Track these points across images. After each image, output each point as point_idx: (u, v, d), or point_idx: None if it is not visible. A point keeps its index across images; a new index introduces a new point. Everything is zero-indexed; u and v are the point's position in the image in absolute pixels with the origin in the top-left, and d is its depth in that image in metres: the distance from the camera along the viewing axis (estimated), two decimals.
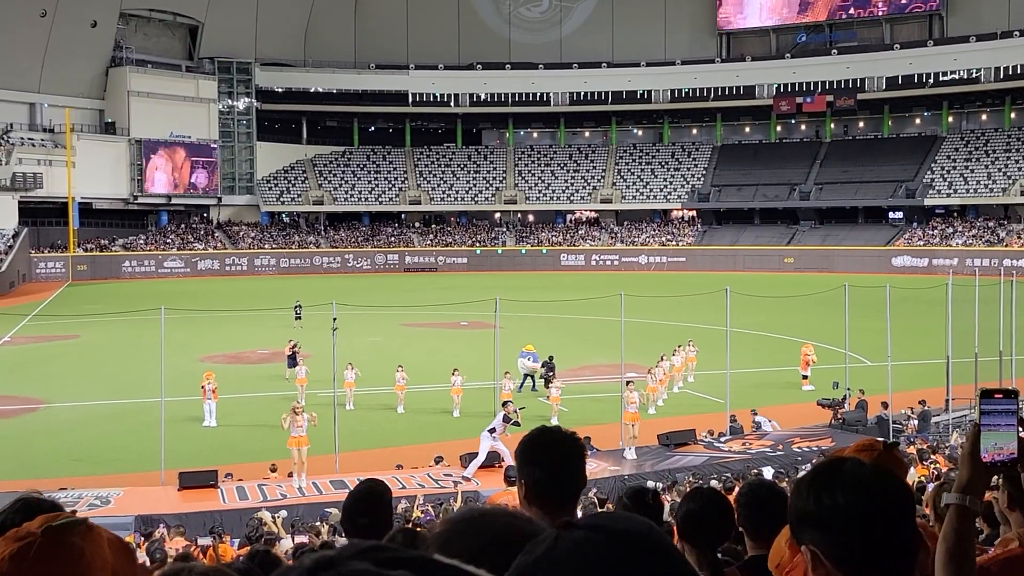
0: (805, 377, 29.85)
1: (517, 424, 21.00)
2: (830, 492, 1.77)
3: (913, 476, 14.55)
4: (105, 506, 17.93)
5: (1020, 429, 2.39)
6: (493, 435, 20.81)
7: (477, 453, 20.86)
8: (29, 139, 77.77)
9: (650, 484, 19.30)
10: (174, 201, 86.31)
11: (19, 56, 75.90)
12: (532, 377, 30.16)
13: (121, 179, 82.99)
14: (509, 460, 19.98)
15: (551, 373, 28.59)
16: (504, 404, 22.21)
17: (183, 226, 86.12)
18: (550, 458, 2.87)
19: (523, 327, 38.03)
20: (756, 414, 25.11)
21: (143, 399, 26.24)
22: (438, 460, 21.43)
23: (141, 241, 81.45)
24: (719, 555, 6.21)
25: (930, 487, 12.83)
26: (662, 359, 28.64)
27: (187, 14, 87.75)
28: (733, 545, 6.83)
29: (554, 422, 24.54)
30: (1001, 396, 2.41)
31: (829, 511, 1.75)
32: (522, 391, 28.91)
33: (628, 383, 23.51)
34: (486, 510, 1.20)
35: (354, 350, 31.16)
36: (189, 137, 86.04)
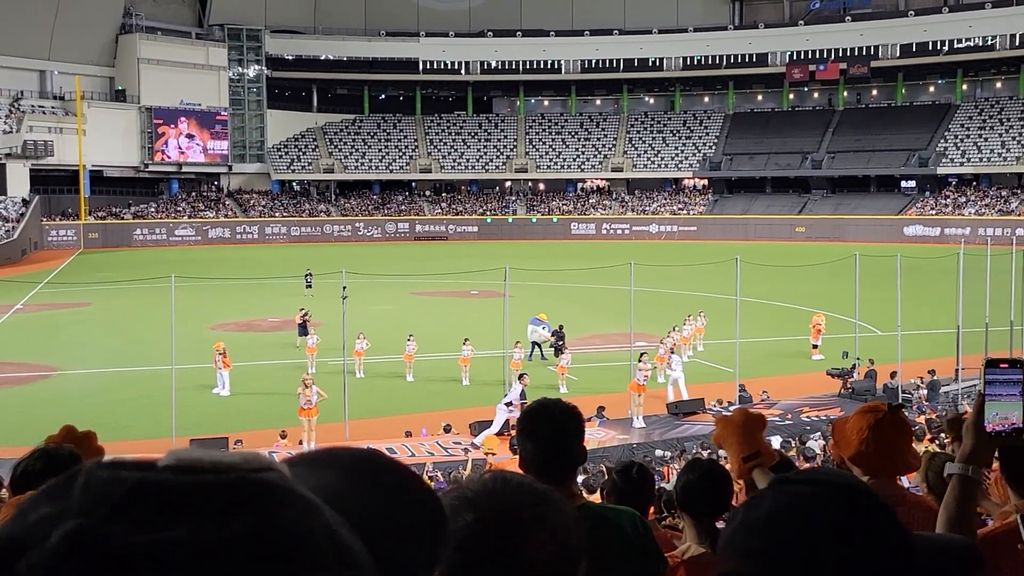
0: (815, 347, 29.78)
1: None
2: None
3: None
4: None
5: None
6: (510, 408, 20.84)
7: (490, 422, 20.96)
8: (40, 107, 77.80)
9: (659, 453, 19.40)
10: (185, 169, 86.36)
11: (29, 23, 75.71)
12: (540, 346, 30.21)
13: (132, 147, 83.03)
14: None
15: (561, 342, 28.61)
16: (520, 377, 22.23)
17: (194, 194, 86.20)
18: (546, 432, 2.88)
19: (533, 296, 38.02)
20: (673, 353, 25.38)
21: (154, 367, 26.38)
22: (447, 428, 21.54)
23: (152, 209, 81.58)
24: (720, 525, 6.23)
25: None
26: (673, 330, 28.66)
27: None
28: None
29: (562, 391, 24.64)
30: (1006, 366, 2.40)
31: None
32: (532, 360, 28.96)
33: (642, 355, 23.57)
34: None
35: (364, 318, 31.23)
36: (199, 105, 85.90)
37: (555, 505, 1.15)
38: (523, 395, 21.19)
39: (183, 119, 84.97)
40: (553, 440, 2.86)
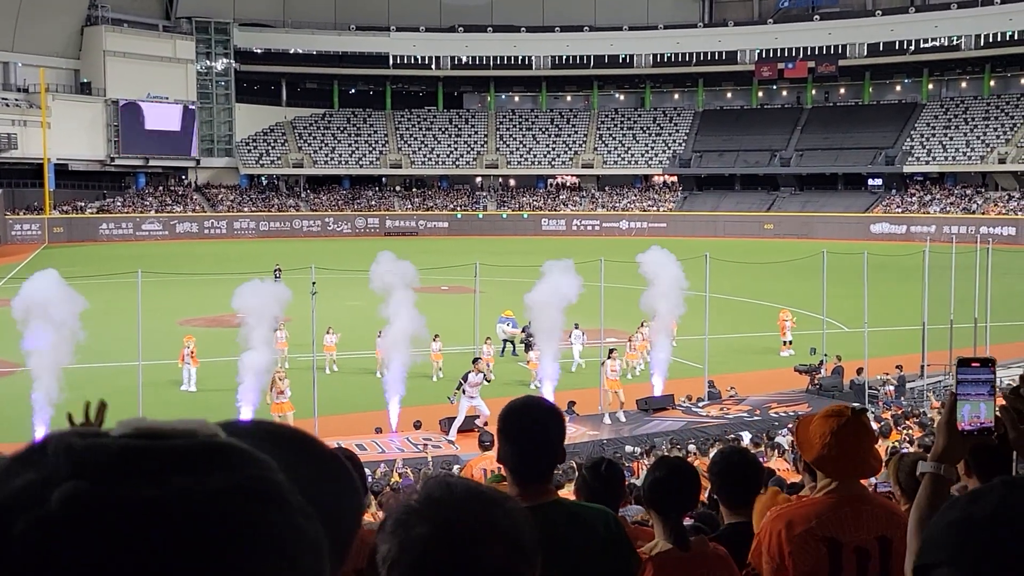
0: (787, 343, 29.91)
1: (488, 380, 21.38)
2: None
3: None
4: None
5: (996, 398, 2.39)
6: (467, 395, 20.88)
7: (455, 417, 20.97)
8: (3, 99, 76.69)
9: (628, 449, 19.46)
10: (152, 163, 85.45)
11: None
12: (512, 343, 30.29)
13: (98, 140, 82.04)
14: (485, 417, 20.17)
15: (531, 339, 28.63)
16: (474, 361, 22.17)
17: (161, 188, 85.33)
18: (526, 432, 2.86)
19: (504, 292, 37.97)
20: (577, 327, 26.60)
21: (121, 363, 26.11)
22: (417, 425, 21.49)
23: (118, 203, 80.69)
24: (695, 522, 6.25)
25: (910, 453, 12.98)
26: (642, 326, 28.74)
27: None
28: (710, 511, 6.89)
29: (533, 387, 24.69)
30: (978, 365, 2.41)
31: None
32: (503, 356, 29.03)
33: (611, 351, 23.67)
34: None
35: (334, 314, 31.08)
36: (167, 98, 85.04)
37: (504, 507, 1.12)
38: (465, 377, 21.19)
39: (151, 112, 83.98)
40: (533, 440, 2.85)
